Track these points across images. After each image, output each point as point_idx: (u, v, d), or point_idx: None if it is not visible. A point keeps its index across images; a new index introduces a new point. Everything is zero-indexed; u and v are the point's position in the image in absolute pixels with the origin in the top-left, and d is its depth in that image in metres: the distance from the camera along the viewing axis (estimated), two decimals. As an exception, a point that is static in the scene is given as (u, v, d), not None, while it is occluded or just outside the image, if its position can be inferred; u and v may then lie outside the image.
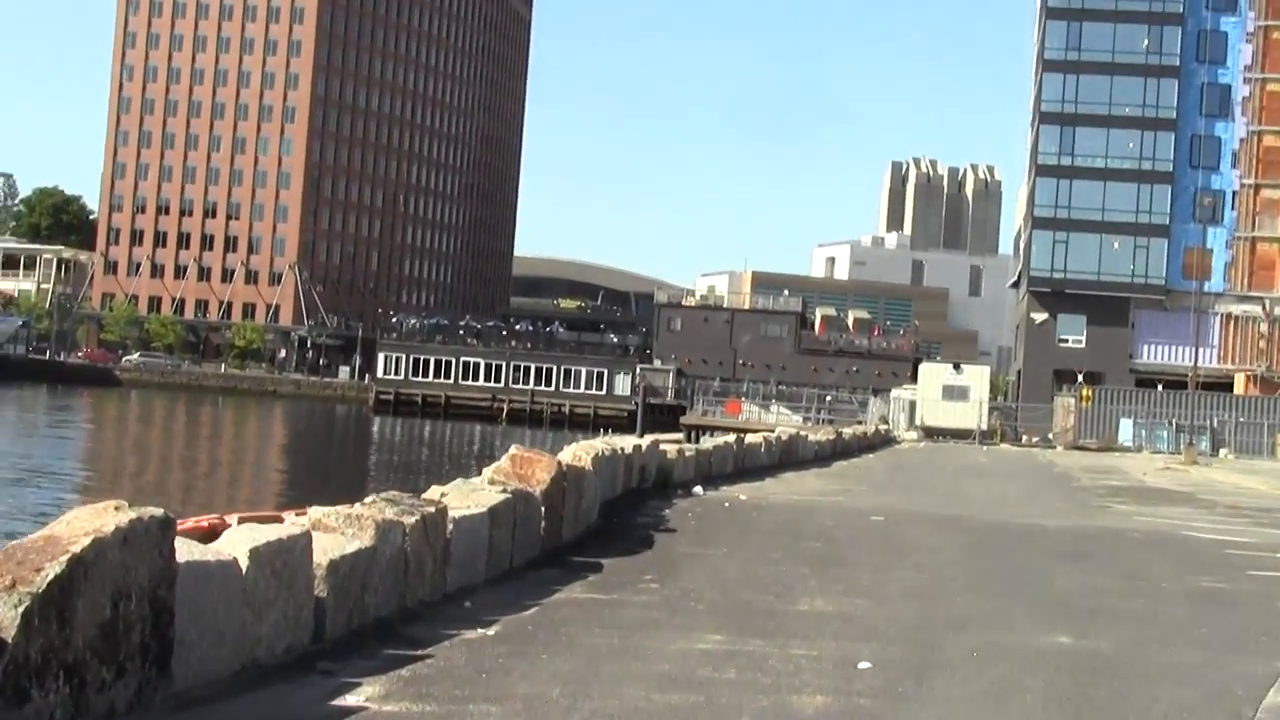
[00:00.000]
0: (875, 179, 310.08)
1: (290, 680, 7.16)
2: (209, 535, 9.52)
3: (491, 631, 8.82)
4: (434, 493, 11.41)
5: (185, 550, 6.76)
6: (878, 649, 8.75)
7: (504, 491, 11.65)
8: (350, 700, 6.94)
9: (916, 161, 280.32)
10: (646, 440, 22.46)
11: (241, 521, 9.66)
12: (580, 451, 15.38)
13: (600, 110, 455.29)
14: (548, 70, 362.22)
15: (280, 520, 9.94)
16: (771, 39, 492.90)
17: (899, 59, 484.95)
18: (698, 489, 21.17)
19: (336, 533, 8.78)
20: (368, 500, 9.66)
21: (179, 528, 9.87)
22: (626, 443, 20.22)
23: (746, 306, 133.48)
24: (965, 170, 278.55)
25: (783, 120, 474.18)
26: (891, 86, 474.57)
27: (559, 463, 13.26)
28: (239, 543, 7.37)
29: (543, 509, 12.56)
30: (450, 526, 10.16)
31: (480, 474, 12.83)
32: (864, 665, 8.16)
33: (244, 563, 7.19)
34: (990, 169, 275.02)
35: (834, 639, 9.08)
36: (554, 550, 12.77)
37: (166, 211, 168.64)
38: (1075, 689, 7.83)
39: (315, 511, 9.02)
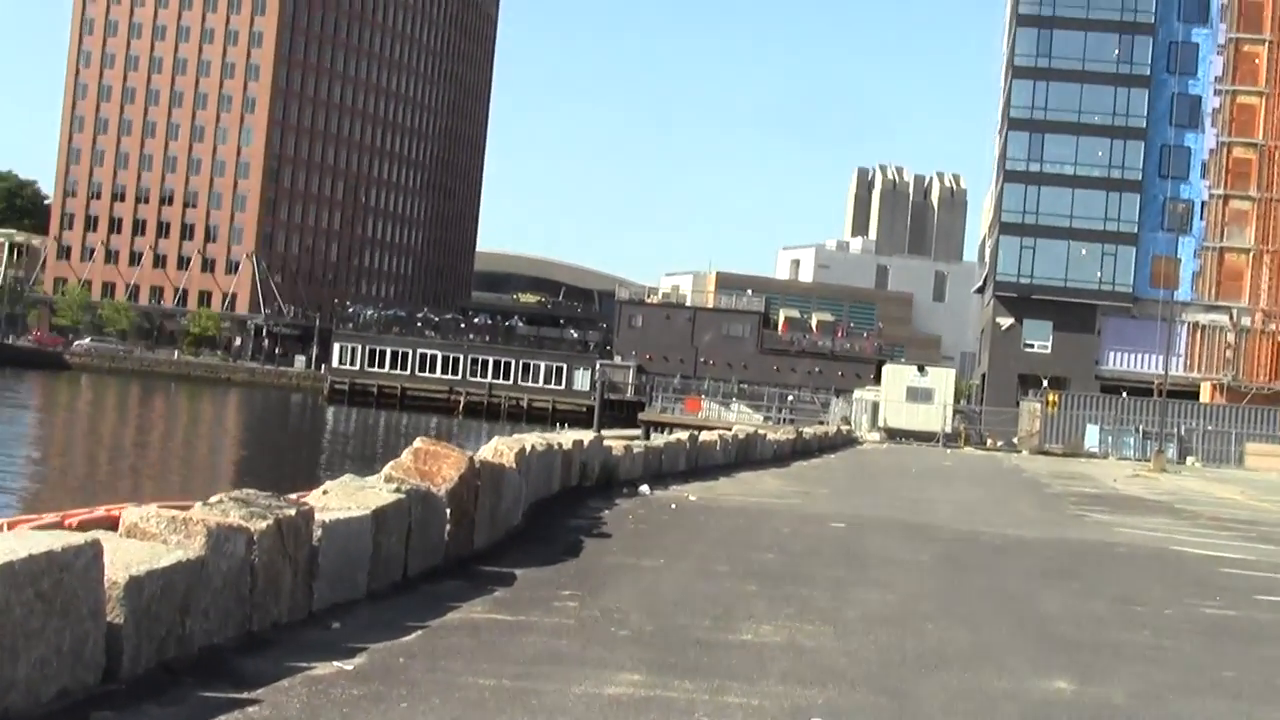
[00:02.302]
0: (841, 185, 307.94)
1: (49, 737, 5.38)
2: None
3: (351, 665, 7.02)
4: (315, 492, 9.64)
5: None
6: (834, 696, 6.99)
7: (397, 491, 9.88)
8: (120, 769, 5.14)
9: (883, 168, 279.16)
10: (589, 435, 20.72)
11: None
12: (503, 446, 13.58)
13: (567, 108, 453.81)
14: (514, 65, 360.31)
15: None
16: (748, 39, 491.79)
17: (866, 66, 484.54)
18: (644, 488, 19.62)
19: (155, 540, 6.96)
20: (212, 500, 7.84)
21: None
22: (565, 438, 18.48)
23: (710, 305, 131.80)
24: (931, 178, 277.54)
25: (756, 121, 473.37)
26: (859, 93, 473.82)
27: (470, 458, 11.46)
28: (-8, 554, 5.55)
29: (448, 510, 10.80)
30: (318, 532, 8.36)
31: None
32: (817, 721, 6.39)
33: (-9, 582, 5.38)
34: (956, 177, 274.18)
35: (781, 681, 7.32)
36: (462, 558, 11.05)
37: (122, 198, 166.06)
38: (1089, 760, 6.07)
39: (132, 513, 7.18)
